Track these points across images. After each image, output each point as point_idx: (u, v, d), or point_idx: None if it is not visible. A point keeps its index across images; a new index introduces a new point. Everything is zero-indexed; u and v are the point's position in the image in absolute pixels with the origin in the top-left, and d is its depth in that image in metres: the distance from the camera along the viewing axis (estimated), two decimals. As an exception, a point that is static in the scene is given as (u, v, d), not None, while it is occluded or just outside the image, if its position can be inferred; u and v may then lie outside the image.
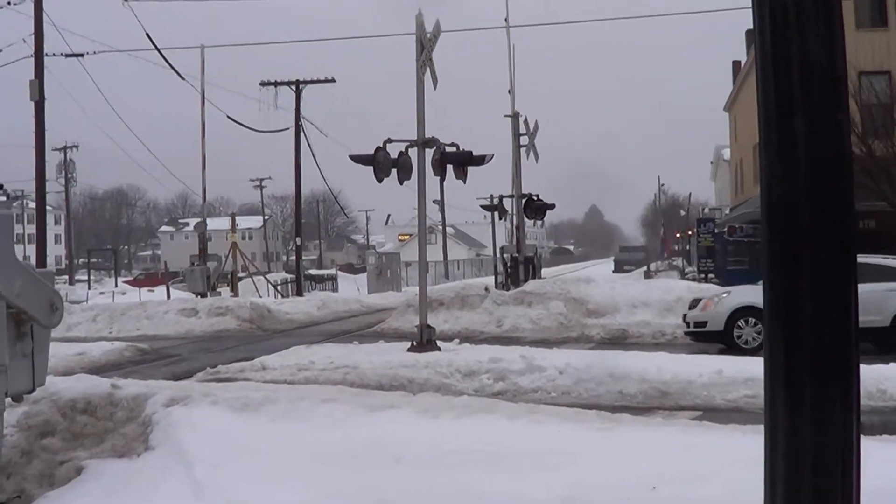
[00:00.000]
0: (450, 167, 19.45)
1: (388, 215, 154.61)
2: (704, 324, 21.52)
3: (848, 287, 2.22)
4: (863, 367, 12.94)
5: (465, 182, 19.98)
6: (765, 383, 2.32)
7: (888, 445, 7.76)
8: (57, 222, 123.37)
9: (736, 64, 61.24)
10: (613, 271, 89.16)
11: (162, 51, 36.52)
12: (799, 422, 2.22)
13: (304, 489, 7.38)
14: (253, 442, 8.27)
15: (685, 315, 22.41)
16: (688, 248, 78.42)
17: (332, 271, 78.46)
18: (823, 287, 2.20)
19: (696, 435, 8.57)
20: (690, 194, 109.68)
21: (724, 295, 22.28)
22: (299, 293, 47.49)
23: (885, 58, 33.08)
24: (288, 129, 47.53)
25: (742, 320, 20.95)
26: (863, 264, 23.40)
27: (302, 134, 47.32)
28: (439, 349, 17.73)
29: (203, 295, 35.77)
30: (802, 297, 2.22)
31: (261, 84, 46.57)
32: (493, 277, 43.01)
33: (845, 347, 2.21)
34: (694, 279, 41.28)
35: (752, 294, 21.70)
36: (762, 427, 2.38)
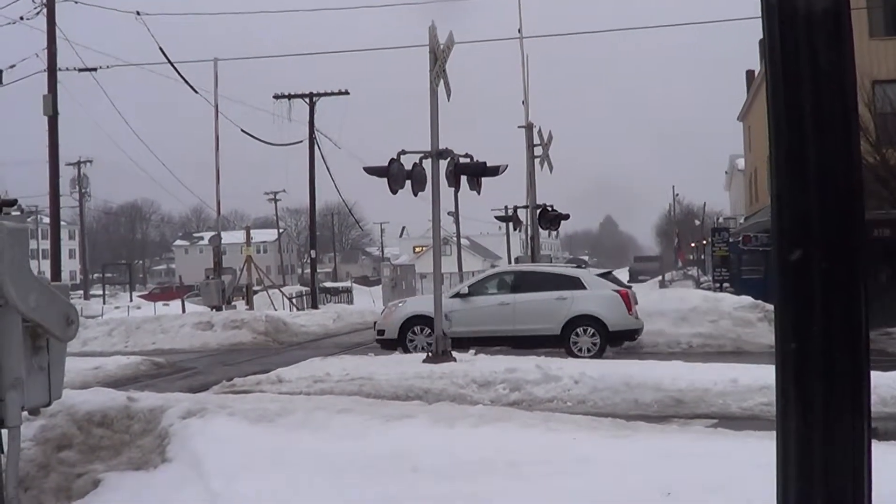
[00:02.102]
0: (464, 178, 19.46)
1: (403, 227, 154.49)
2: (383, 331, 22.30)
3: (857, 294, 2.23)
4: (878, 374, 12.91)
5: (479, 193, 20.00)
6: (776, 390, 2.34)
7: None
8: (71, 237, 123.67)
9: (750, 73, 60.92)
10: (628, 281, 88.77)
11: (175, 64, 36.63)
12: (810, 427, 2.23)
13: (322, 499, 7.40)
14: (269, 453, 8.29)
15: (375, 322, 23.36)
16: (703, 257, 78.24)
17: (348, 283, 78.23)
18: (833, 295, 2.21)
19: (712, 442, 8.59)
20: (705, 204, 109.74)
21: (400, 304, 23.16)
22: (314, 306, 47.47)
23: (899, 67, 32.83)
24: (302, 141, 47.36)
25: (415, 328, 21.72)
26: (533, 273, 24.13)
27: (316, 146, 47.18)
28: (455, 360, 17.69)
29: (218, 308, 35.85)
30: (812, 305, 2.23)
31: (274, 97, 46.45)
32: (509, 288, 42.91)
33: (855, 353, 2.22)
34: (709, 289, 41.09)
35: (424, 304, 22.22)
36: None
